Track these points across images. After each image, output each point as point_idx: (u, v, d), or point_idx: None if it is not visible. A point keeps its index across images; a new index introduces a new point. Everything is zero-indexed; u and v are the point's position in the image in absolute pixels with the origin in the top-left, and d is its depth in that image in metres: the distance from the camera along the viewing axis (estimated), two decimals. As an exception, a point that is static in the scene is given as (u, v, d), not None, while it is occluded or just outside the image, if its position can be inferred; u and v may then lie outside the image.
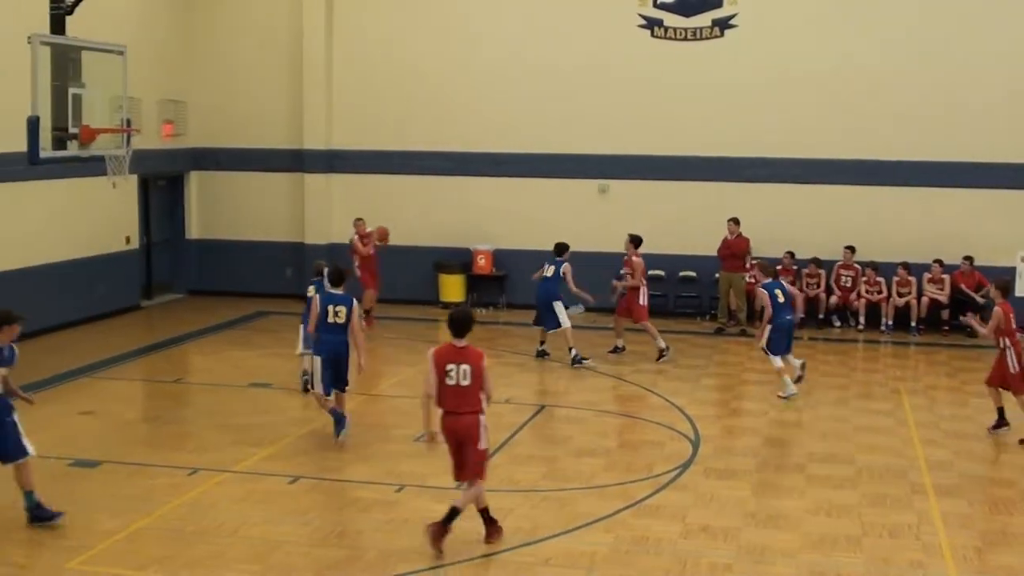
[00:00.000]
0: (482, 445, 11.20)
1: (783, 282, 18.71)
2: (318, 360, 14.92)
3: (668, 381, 18.74)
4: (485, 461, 11.33)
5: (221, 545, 11.36)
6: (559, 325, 20.00)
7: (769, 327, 17.69)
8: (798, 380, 17.87)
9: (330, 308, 14.75)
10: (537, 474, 13.75)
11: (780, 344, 17.75)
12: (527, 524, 11.95)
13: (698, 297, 24.34)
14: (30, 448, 11.70)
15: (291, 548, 11.32)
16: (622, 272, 20.86)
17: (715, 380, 19.23)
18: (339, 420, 14.99)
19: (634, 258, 20.60)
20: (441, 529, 11.10)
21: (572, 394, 17.89)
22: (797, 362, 18.10)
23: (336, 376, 14.94)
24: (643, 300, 20.53)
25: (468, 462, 11.19)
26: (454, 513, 11.13)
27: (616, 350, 20.77)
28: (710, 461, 14.31)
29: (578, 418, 16.51)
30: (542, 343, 20.52)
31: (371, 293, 22.65)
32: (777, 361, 17.72)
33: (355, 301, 14.99)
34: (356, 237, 22.67)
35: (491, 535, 11.48)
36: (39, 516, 11.68)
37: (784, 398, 17.53)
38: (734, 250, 22.98)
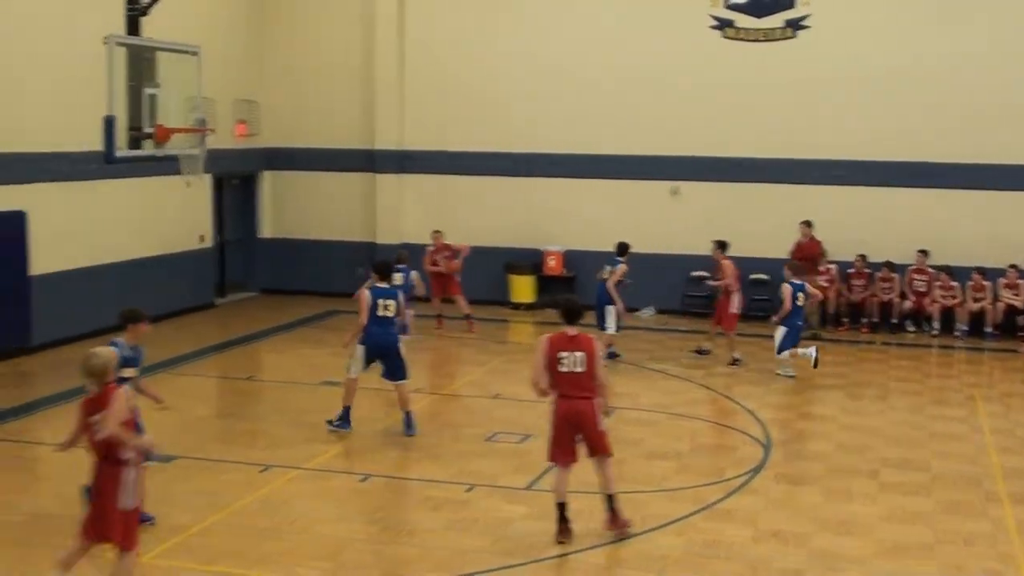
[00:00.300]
0: (601, 427, 11.47)
1: (807, 286, 19.53)
2: (361, 349, 15.22)
3: (740, 385, 18.62)
4: (607, 439, 11.57)
5: (292, 542, 11.44)
6: (604, 329, 19.69)
7: (784, 329, 18.81)
8: (732, 363, 19.60)
9: (380, 302, 15.09)
10: (607, 476, 13.71)
11: (789, 343, 18.98)
12: (598, 526, 11.91)
13: (769, 300, 24.14)
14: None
15: (361, 546, 11.38)
16: (716, 280, 20.71)
17: (788, 383, 19.05)
18: (344, 417, 15.35)
19: (723, 261, 20.39)
20: (613, 517, 11.59)
21: (643, 396, 17.82)
22: (810, 350, 19.01)
23: (390, 370, 15.30)
24: (734, 308, 20.36)
25: (592, 444, 11.48)
26: (611, 499, 11.58)
27: (700, 352, 20.62)
28: (782, 466, 14.21)
29: (650, 421, 16.44)
30: (608, 345, 20.41)
31: (460, 299, 22.64)
32: (785, 355, 18.92)
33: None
34: (431, 251, 22.67)
35: (612, 523, 11.68)
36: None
37: (780, 374, 19.07)
38: (806, 253, 22.77)
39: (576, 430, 11.48)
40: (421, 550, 11.31)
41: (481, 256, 24.25)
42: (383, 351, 15.22)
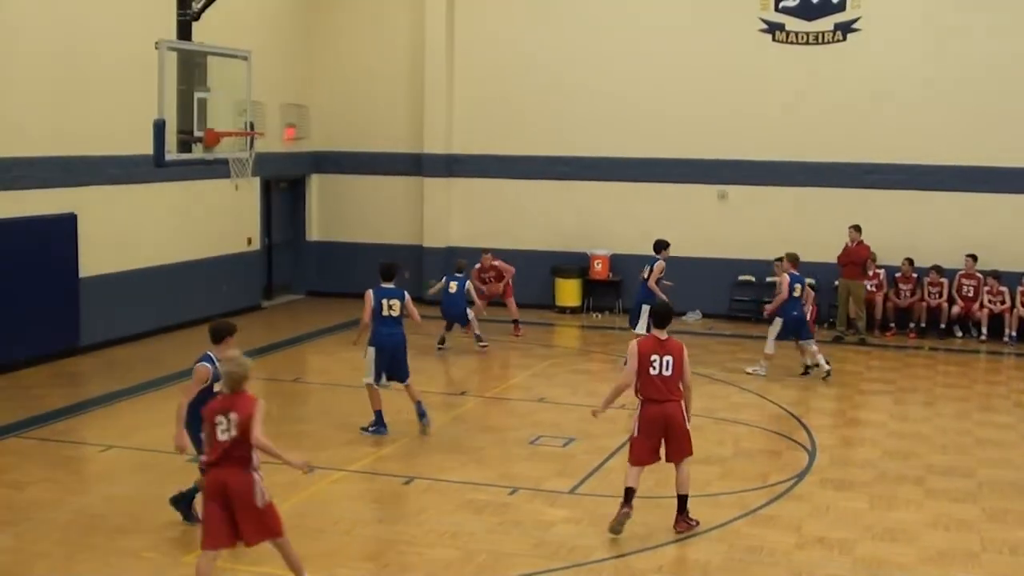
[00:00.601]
0: (687, 427, 11.83)
1: (805, 280, 19.69)
2: (372, 351, 15.51)
3: (785, 390, 18.53)
4: (690, 440, 11.94)
5: (336, 543, 11.50)
6: (634, 327, 19.46)
7: (780, 320, 19.04)
8: (804, 373, 19.35)
9: (384, 302, 15.42)
10: (651, 480, 13.63)
11: (785, 335, 19.22)
12: (641, 531, 11.90)
13: (817, 305, 24.02)
14: None
15: (404, 548, 11.42)
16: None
17: (833, 389, 18.95)
18: (377, 422, 15.59)
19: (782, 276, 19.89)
20: (682, 518, 11.89)
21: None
22: (821, 359, 19.14)
23: (394, 368, 15.56)
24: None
25: (677, 446, 11.80)
26: (684, 499, 11.91)
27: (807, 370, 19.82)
28: (827, 471, 14.13)
29: (694, 425, 16.28)
30: None
31: (511, 303, 22.67)
32: (771, 347, 18.88)
33: (407, 294, 15.61)
34: (475, 270, 22.74)
35: (681, 524, 11.90)
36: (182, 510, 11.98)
37: (749, 373, 19.27)
38: (854, 258, 22.64)
39: (663, 432, 11.75)
40: (463, 553, 11.33)
41: (528, 260, 24.31)
42: (391, 351, 15.45)
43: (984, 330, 22.86)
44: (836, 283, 23.12)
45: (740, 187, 24.66)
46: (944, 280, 23.14)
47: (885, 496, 13.28)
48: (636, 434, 11.86)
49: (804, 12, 24.12)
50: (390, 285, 15.60)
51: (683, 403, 11.81)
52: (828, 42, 24.10)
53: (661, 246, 20.01)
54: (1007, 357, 21.93)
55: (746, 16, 24.37)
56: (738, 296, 24.66)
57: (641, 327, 19.33)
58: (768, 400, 17.84)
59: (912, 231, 23.55)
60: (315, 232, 27.76)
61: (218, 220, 23.81)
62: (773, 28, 24.33)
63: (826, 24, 24.08)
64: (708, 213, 24.82)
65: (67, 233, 19.87)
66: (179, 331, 22.05)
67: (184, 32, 16.77)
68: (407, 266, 26.37)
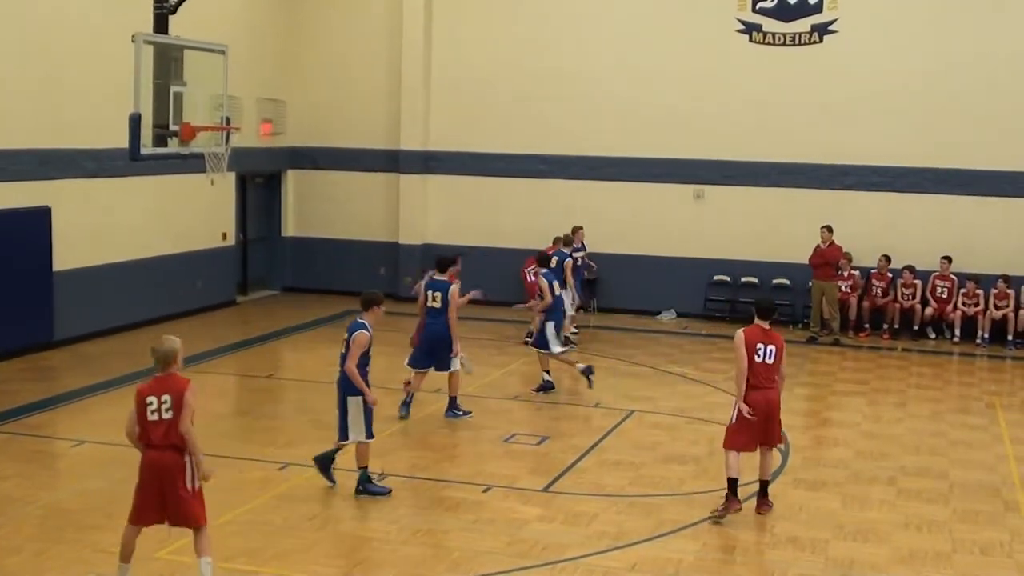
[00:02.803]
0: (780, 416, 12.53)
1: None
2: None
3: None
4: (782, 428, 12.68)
5: (309, 539, 11.48)
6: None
7: (552, 323, 17.76)
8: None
9: (429, 293, 16.17)
10: (624, 479, 13.72)
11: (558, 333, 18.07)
12: (613, 529, 11.93)
13: (791, 305, 24.10)
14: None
15: (378, 545, 11.41)
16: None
17: (806, 390, 19.03)
18: (407, 403, 16.31)
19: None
20: (763, 502, 12.58)
21: (662, 400, 17.82)
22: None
23: (435, 357, 16.10)
24: None
25: (772, 432, 12.48)
26: (766, 485, 12.67)
27: None
28: (799, 471, 14.18)
29: (668, 424, 16.44)
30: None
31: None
32: (556, 347, 17.89)
33: (453, 287, 15.97)
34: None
35: (762, 507, 12.57)
36: (369, 491, 12.81)
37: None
38: (827, 258, 22.72)
39: (764, 418, 12.33)
40: (436, 550, 11.33)
41: (503, 257, 24.32)
42: (431, 340, 16.02)
43: (957, 332, 22.97)
44: (810, 284, 23.16)
45: (716, 187, 24.72)
46: (918, 282, 23.23)
47: (857, 496, 13.33)
48: (734, 420, 12.39)
49: (781, 13, 24.19)
50: (442, 277, 16.21)
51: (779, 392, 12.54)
52: (805, 43, 24.18)
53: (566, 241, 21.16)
54: (979, 359, 22.05)
55: (723, 16, 24.42)
56: (713, 296, 24.71)
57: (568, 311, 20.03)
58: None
59: (888, 233, 23.65)
60: (291, 228, 27.70)
61: (193, 215, 23.72)
62: (750, 29, 24.39)
63: (803, 25, 24.16)
64: (684, 212, 24.87)
65: (41, 226, 19.77)
66: (154, 326, 21.94)
67: (160, 25, 16.69)
68: (382, 263, 26.39)
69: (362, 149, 26.93)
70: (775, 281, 24.11)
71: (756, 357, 12.27)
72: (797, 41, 24.22)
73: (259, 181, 27.12)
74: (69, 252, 20.28)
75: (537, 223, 25.56)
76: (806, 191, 24.13)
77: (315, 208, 27.45)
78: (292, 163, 27.39)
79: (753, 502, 12.60)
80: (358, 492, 12.85)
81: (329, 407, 16.45)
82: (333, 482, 13.00)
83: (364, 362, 12.75)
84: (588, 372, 17.75)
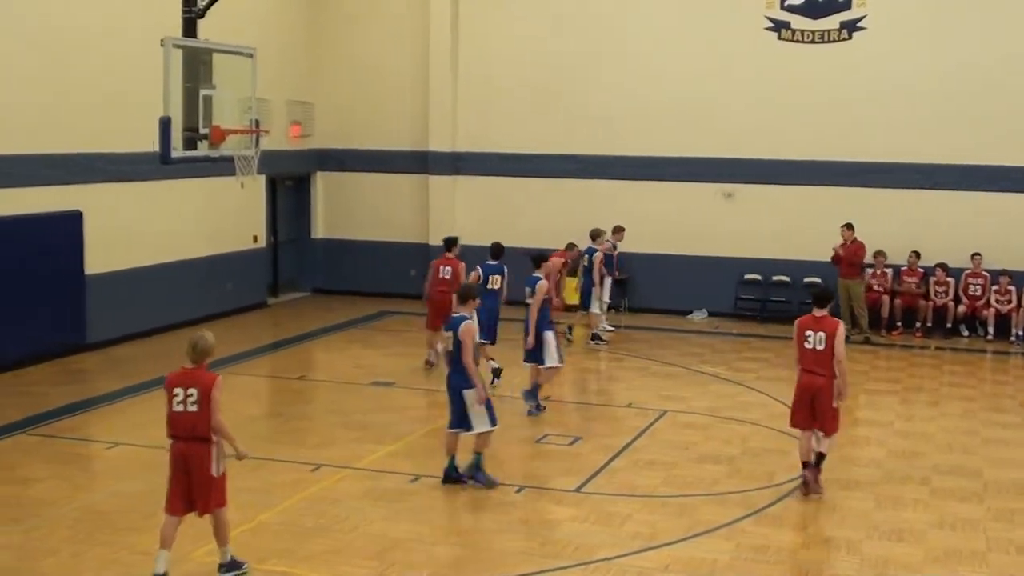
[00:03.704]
0: (833, 404, 12.93)
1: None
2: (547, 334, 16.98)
3: (792, 389, 18.39)
4: (835, 419, 13.09)
5: (341, 540, 11.50)
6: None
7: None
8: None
9: (490, 276, 17.86)
10: (657, 480, 13.69)
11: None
12: (646, 530, 11.90)
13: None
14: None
15: (410, 545, 11.41)
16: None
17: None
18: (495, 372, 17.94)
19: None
20: (816, 472, 13.10)
21: (694, 400, 17.77)
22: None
23: (487, 333, 16.99)
24: None
25: (821, 420, 12.98)
26: (821, 457, 13.14)
27: None
28: (833, 471, 14.06)
29: (701, 424, 16.39)
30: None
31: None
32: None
33: (542, 282, 16.59)
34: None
35: (808, 488, 13.06)
36: (476, 478, 13.25)
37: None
38: (850, 257, 22.58)
39: (811, 402, 12.95)
40: (469, 551, 11.34)
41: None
42: (489, 320, 17.03)
43: (991, 330, 22.81)
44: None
45: (746, 186, 24.60)
46: (950, 279, 23.09)
47: (891, 496, 13.26)
48: (793, 399, 13.25)
49: (810, 10, 24.08)
50: (495, 262, 18.02)
51: (834, 382, 12.87)
52: (833, 40, 24.05)
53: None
54: (1014, 357, 21.89)
55: (751, 14, 24.32)
56: (744, 295, 24.62)
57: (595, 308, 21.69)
58: (775, 399, 17.80)
59: (918, 230, 23.47)
60: (320, 230, 27.76)
61: (224, 217, 23.80)
62: (779, 26, 24.29)
63: (832, 22, 24.03)
64: (714, 211, 24.78)
65: (73, 230, 19.87)
66: (184, 328, 21.97)
67: (189, 29, 16.75)
68: (413, 264, 26.43)
69: (391, 151, 26.95)
70: (806, 279, 23.95)
71: (806, 344, 12.90)
72: (826, 39, 24.10)
73: (289, 183, 27.19)
74: (101, 256, 20.37)
75: (566, 223, 25.48)
76: (837, 189, 23.98)
77: (345, 210, 27.50)
78: (321, 165, 27.44)
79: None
80: (468, 477, 13.22)
81: (360, 408, 16.61)
82: (466, 480, 13.32)
83: (476, 353, 13.22)
84: (497, 374, 18.14)
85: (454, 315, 13.23)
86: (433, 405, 16.94)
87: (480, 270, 18.01)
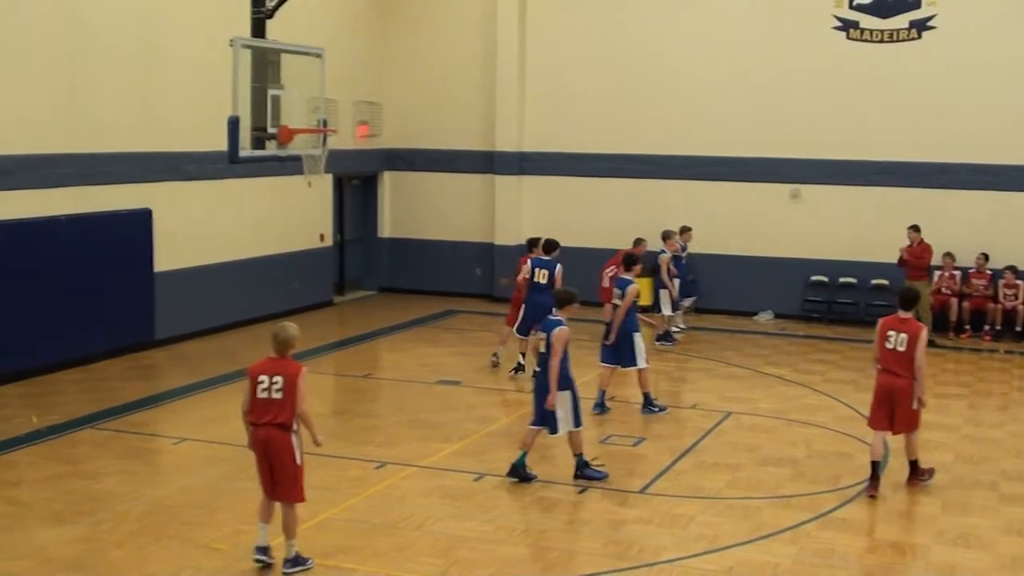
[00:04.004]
0: (913, 406, 13.08)
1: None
2: (523, 310, 18.15)
3: (859, 392, 18.33)
4: (915, 419, 13.26)
5: (406, 538, 11.56)
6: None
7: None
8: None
9: (536, 270, 17.98)
10: (721, 482, 13.64)
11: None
12: (710, 532, 11.87)
13: (890, 306, 23.71)
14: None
15: (474, 544, 11.44)
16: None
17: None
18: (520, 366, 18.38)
19: None
20: (915, 478, 13.52)
21: (760, 402, 17.67)
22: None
23: (523, 327, 17.88)
24: None
25: (900, 420, 13.15)
26: (914, 463, 13.54)
27: None
28: (899, 475, 13.95)
29: (765, 426, 16.30)
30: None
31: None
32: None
33: (633, 286, 16.62)
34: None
35: (913, 481, 13.51)
36: (587, 475, 13.50)
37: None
38: (915, 259, 22.33)
39: (890, 403, 13.08)
40: (533, 550, 11.36)
41: (599, 257, 24.24)
42: (535, 313, 16.69)
43: (1061, 333, 22.53)
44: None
45: (813, 186, 24.43)
46: (1020, 282, 22.78)
47: (958, 501, 13.12)
48: (872, 400, 13.40)
49: (879, 9, 23.87)
50: (547, 257, 18.15)
51: (914, 384, 12.98)
52: (903, 40, 23.82)
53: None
54: (1085, 361, 21.59)
55: (820, 14, 24.14)
56: (811, 296, 24.46)
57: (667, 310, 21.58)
58: (841, 402, 17.68)
59: (988, 232, 23.18)
60: (387, 229, 27.89)
61: (291, 216, 23.99)
62: (847, 26, 24.10)
63: (901, 21, 23.80)
64: (780, 212, 24.63)
65: (143, 228, 20.12)
66: (251, 326, 22.24)
67: (258, 30, 16.92)
68: (478, 263, 26.53)
69: (457, 150, 27.04)
70: (873, 281, 23.79)
71: (886, 344, 13.01)
72: (895, 37, 23.87)
73: (355, 183, 27.35)
74: (170, 253, 20.61)
75: (632, 223, 25.44)
76: (905, 190, 23.75)
77: (411, 209, 27.61)
78: (388, 165, 27.58)
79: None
80: (576, 477, 13.44)
81: (425, 407, 16.67)
82: (533, 477, 13.52)
83: (563, 357, 13.17)
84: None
85: (550, 318, 13.35)
86: (498, 404, 17.03)
87: (530, 263, 18.21)
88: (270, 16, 16.99)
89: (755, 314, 24.61)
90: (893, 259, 22.74)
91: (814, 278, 24.40)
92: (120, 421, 15.87)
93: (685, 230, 23.11)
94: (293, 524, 10.64)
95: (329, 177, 24.34)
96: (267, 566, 10.66)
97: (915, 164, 23.63)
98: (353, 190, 27.31)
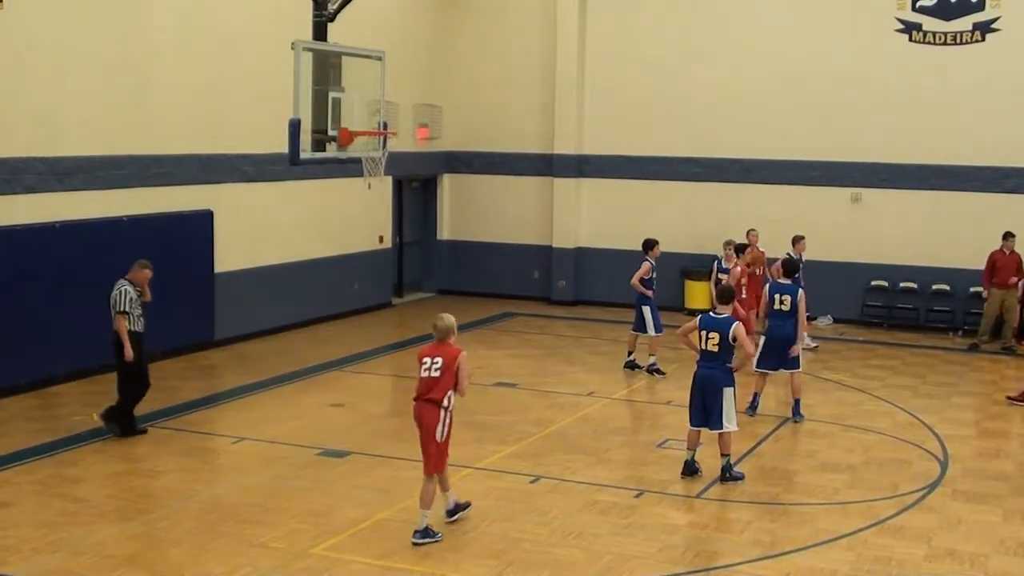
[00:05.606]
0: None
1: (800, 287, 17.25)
2: (761, 339, 16.72)
3: (917, 398, 18.20)
4: None
5: (461, 539, 11.57)
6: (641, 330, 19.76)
7: (762, 338, 16.95)
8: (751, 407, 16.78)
9: (776, 296, 16.56)
10: (778, 487, 13.56)
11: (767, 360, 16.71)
12: (766, 537, 11.79)
13: (951, 311, 23.57)
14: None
15: (529, 546, 11.44)
16: None
17: (968, 399, 18.55)
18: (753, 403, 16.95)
19: None
20: None
21: (818, 407, 17.52)
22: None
23: (780, 358, 16.41)
24: None
25: None
26: None
27: None
28: (959, 483, 13.83)
29: (823, 432, 16.18)
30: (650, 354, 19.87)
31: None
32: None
33: (801, 292, 16.50)
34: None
35: None
36: (733, 476, 13.66)
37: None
38: (1008, 266, 21.95)
39: None
40: (587, 553, 11.33)
41: (657, 261, 24.19)
42: (778, 342, 16.40)
43: None
44: (983, 292, 22.41)
45: (874, 190, 24.25)
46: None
47: (1019, 510, 12.95)
48: None
49: (942, 12, 23.65)
50: (787, 281, 16.93)
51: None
52: (966, 42, 23.59)
53: (648, 246, 19.86)
54: None
55: (882, 16, 23.97)
56: (871, 301, 24.28)
57: (650, 329, 19.47)
58: (899, 408, 17.53)
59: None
60: (446, 231, 27.98)
61: (350, 218, 24.11)
62: (910, 28, 23.89)
63: (964, 24, 23.58)
64: (841, 216, 24.47)
65: (204, 229, 20.29)
66: (309, 327, 22.37)
67: (319, 33, 16.99)
68: (536, 266, 26.54)
69: (516, 153, 27.07)
70: (934, 287, 23.59)
71: None
72: (958, 40, 23.64)
73: (415, 185, 27.45)
74: (230, 254, 20.78)
75: (691, 226, 25.42)
76: (967, 194, 23.51)
77: (470, 212, 27.68)
78: (447, 167, 27.66)
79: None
80: (723, 479, 13.57)
81: (482, 409, 16.65)
82: (742, 476, 13.76)
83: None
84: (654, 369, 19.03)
85: (718, 316, 13.57)
86: (554, 407, 16.99)
87: (767, 289, 17.14)
88: (332, 19, 17.05)
89: (815, 319, 24.45)
90: (953, 264, 22.56)
91: (874, 283, 24.22)
92: (178, 420, 16.00)
93: (798, 239, 21.75)
94: (446, 483, 11.80)
95: (389, 179, 24.47)
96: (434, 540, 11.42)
97: (977, 168, 23.39)
98: (412, 192, 27.41)
